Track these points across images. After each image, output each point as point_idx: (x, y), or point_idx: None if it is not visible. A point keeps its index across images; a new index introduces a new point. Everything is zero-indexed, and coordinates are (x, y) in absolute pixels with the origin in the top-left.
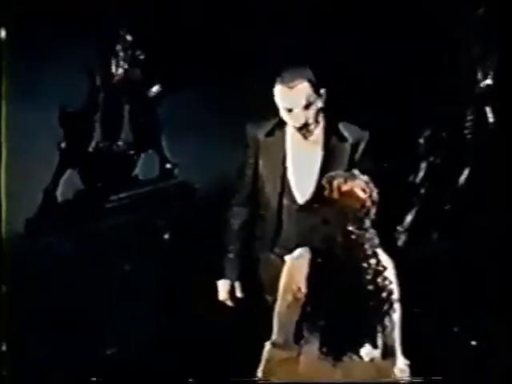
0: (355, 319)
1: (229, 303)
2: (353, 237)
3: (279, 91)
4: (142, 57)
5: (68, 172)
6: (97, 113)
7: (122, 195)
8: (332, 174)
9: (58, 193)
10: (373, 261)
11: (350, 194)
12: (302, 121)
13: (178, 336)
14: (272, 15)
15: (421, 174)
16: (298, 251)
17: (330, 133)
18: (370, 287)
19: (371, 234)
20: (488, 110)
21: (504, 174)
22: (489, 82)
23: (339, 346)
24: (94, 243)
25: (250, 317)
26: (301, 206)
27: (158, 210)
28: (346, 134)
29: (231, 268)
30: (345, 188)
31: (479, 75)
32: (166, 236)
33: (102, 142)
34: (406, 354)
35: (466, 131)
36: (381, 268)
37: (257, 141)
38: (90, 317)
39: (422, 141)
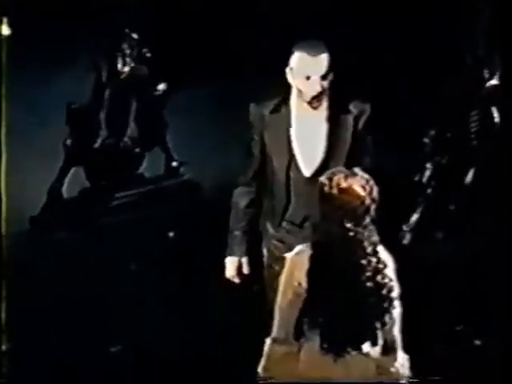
0: (355, 316)
1: (236, 280)
2: (351, 234)
3: (300, 58)
4: (148, 55)
5: (73, 169)
6: (103, 110)
7: (127, 193)
8: (333, 170)
9: (64, 190)
10: (372, 258)
11: (350, 191)
12: (319, 89)
13: (180, 333)
14: (273, 15)
15: (427, 174)
16: (298, 248)
17: (335, 105)
18: (370, 284)
19: (371, 231)
20: (494, 110)
21: (509, 174)
22: (495, 82)
23: (340, 342)
24: (99, 240)
25: (251, 313)
26: (308, 179)
27: (163, 207)
28: (349, 106)
29: (238, 245)
30: (344, 185)
31: (485, 75)
32: (171, 234)
33: (108, 139)
34: (409, 354)
35: (471, 131)
36: (381, 266)
37: (262, 118)
38: (94, 314)
39: (427, 140)
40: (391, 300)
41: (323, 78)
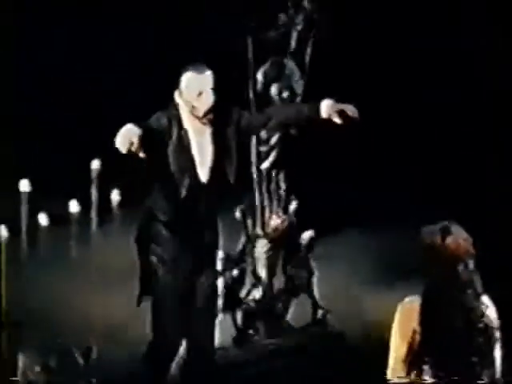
0: (466, 356)
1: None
2: (463, 276)
3: (190, 77)
4: (295, 205)
5: (221, 316)
6: (251, 261)
7: (275, 341)
8: (427, 230)
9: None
10: (478, 299)
11: (455, 244)
12: (211, 100)
13: None
14: None
15: None
16: (409, 298)
17: (218, 120)
18: (480, 325)
19: (477, 273)
20: None
21: None
22: None
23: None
24: None
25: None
26: (203, 185)
27: (305, 356)
28: (229, 118)
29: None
30: (448, 241)
31: None
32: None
33: (254, 288)
34: None
35: None
36: (484, 306)
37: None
38: None
39: None
40: (495, 340)
41: (212, 90)
